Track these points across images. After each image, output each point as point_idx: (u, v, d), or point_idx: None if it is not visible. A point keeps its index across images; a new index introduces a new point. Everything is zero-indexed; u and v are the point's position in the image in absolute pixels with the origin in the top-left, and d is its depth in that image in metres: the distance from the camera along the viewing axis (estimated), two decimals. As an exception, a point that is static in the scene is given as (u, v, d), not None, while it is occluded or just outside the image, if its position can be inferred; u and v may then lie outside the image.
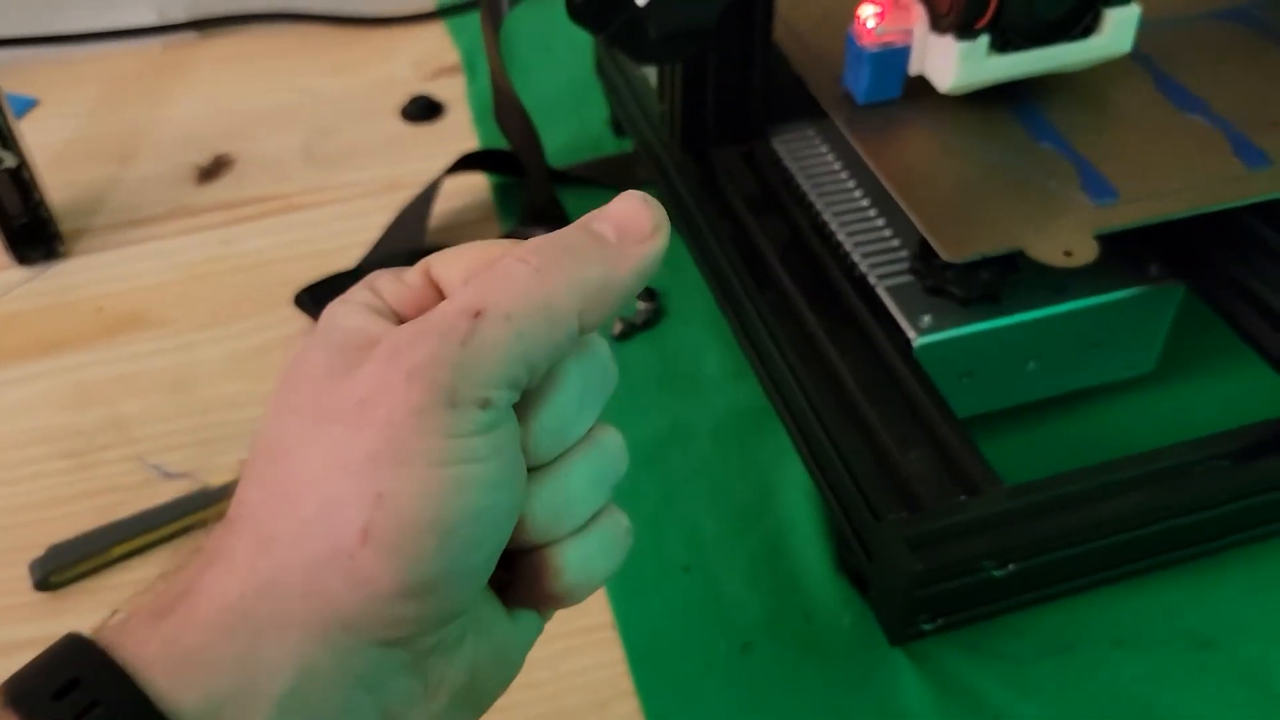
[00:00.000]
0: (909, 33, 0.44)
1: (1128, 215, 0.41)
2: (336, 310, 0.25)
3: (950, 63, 0.43)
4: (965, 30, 0.42)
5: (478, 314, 0.23)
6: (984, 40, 0.42)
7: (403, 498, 0.21)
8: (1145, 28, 0.51)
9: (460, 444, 0.22)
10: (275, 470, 0.23)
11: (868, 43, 0.45)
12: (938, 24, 0.43)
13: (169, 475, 0.48)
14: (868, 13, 0.45)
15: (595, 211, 0.26)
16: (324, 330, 0.24)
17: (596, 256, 0.24)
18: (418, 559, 0.22)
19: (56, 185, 0.63)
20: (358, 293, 0.25)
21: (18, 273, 0.58)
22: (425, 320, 0.23)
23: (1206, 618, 0.41)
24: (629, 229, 0.25)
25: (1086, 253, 0.39)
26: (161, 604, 0.22)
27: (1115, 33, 0.44)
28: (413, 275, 0.26)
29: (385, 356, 0.22)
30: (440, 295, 0.25)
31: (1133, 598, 0.41)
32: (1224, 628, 0.41)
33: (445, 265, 0.26)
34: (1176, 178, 0.43)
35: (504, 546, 0.24)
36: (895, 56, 0.45)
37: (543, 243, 0.24)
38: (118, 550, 0.44)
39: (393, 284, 0.25)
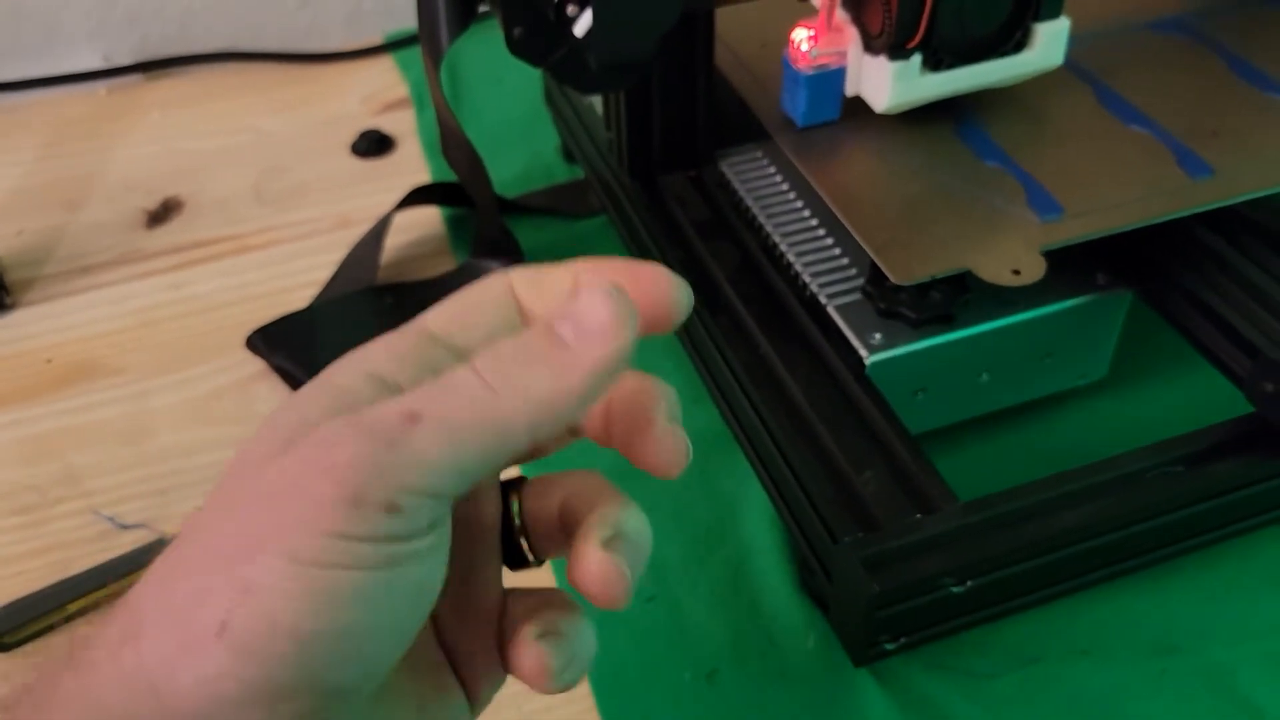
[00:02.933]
0: (844, 54, 0.45)
1: (1073, 230, 0.42)
2: (299, 395, 0.23)
3: (885, 83, 0.43)
4: (898, 50, 0.42)
5: (415, 418, 0.21)
6: (917, 59, 0.43)
7: (269, 593, 0.20)
8: (1085, 40, 0.52)
9: (346, 546, 0.20)
10: (169, 553, 0.22)
11: (803, 66, 0.45)
12: (870, 45, 0.44)
13: (124, 526, 0.47)
14: (801, 36, 0.45)
15: (560, 307, 0.24)
16: (281, 410, 0.23)
17: (552, 365, 0.23)
18: (271, 664, 0.20)
19: (3, 235, 0.62)
20: (343, 370, 0.24)
21: (-36, 327, 0.58)
22: (362, 416, 0.22)
23: (1169, 624, 0.41)
24: (588, 328, 0.23)
25: (1034, 270, 0.40)
26: (26, 696, 0.21)
27: (1046, 47, 0.44)
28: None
29: (313, 444, 0.21)
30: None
31: (1095, 607, 0.42)
32: (1187, 633, 0.41)
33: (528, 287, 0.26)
34: (1121, 191, 0.43)
35: (394, 664, 0.22)
36: (831, 78, 0.45)
37: (498, 353, 0.23)
38: (73, 606, 0.44)
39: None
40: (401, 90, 0.74)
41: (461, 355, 0.25)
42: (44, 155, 0.70)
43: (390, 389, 0.23)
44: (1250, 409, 0.41)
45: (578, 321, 0.23)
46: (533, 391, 0.23)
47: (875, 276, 0.43)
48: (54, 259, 0.62)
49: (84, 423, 0.52)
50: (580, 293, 0.24)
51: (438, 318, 0.26)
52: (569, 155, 0.67)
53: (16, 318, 0.58)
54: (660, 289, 0.26)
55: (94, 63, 0.77)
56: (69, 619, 0.44)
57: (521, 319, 0.26)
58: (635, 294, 0.24)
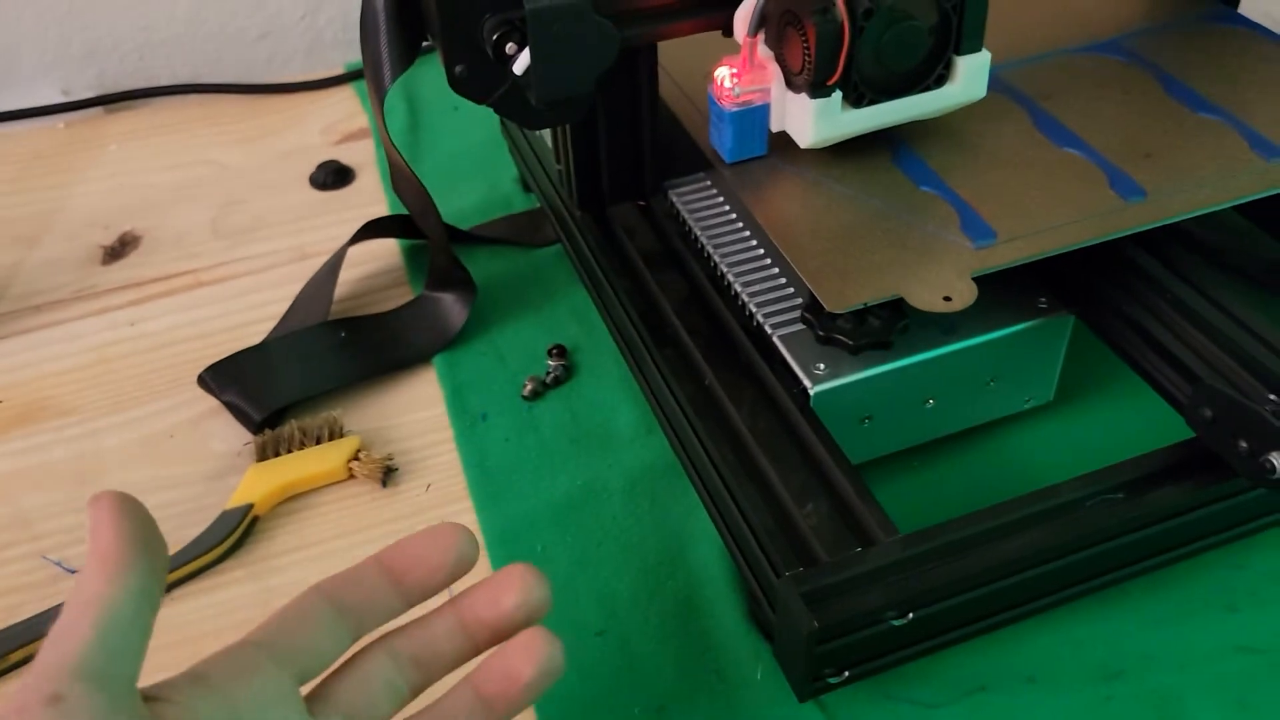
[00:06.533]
0: (767, 91, 0.45)
1: (1005, 255, 0.42)
2: None
3: (807, 120, 0.43)
4: (818, 88, 0.42)
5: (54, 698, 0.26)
6: (838, 96, 0.43)
7: None
8: (1021, 64, 0.52)
9: None
10: None
11: (727, 103, 0.45)
12: (791, 83, 0.44)
13: (73, 571, 0.47)
14: (723, 73, 0.45)
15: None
16: None
17: None
18: None
19: (-43, 274, 0.62)
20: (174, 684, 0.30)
21: (-83, 367, 0.57)
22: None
23: (1115, 649, 0.42)
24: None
25: (965, 296, 0.40)
26: None
27: (969, 80, 0.45)
28: None
29: None
30: None
31: (1040, 634, 0.42)
32: (1132, 658, 0.41)
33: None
34: (1054, 214, 0.44)
35: None
36: (756, 114, 0.46)
37: None
38: (16, 656, 0.43)
39: None
40: (361, 120, 0.74)
41: (281, 662, 0.31)
42: (1, 191, 0.70)
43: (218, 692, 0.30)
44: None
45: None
46: None
47: (813, 304, 0.43)
48: (8, 297, 0.61)
49: (34, 464, 0.52)
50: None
51: (260, 631, 0.32)
52: (526, 185, 0.67)
53: (-30, 357, 0.58)
54: (448, 544, 0.35)
55: (53, 96, 0.77)
56: (14, 667, 0.43)
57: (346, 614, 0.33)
58: (429, 553, 0.34)
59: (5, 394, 0.55)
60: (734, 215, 0.51)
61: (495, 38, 0.42)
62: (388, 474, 0.50)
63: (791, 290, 0.47)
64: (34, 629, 0.44)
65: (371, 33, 0.48)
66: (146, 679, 0.43)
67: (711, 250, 0.49)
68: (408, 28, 0.47)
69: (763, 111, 0.45)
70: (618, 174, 0.52)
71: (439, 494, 0.49)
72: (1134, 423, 0.49)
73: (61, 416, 0.54)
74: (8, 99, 0.75)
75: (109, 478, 0.51)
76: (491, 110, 0.62)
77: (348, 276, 0.60)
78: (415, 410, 0.53)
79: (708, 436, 0.43)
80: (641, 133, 0.51)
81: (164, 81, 0.78)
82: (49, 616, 0.44)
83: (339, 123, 0.74)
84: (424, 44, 0.49)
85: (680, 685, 0.41)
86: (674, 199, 0.52)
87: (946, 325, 0.45)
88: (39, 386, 0.56)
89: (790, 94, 0.44)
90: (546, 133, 0.56)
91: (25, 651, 0.43)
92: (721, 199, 0.52)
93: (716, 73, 0.46)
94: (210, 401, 0.54)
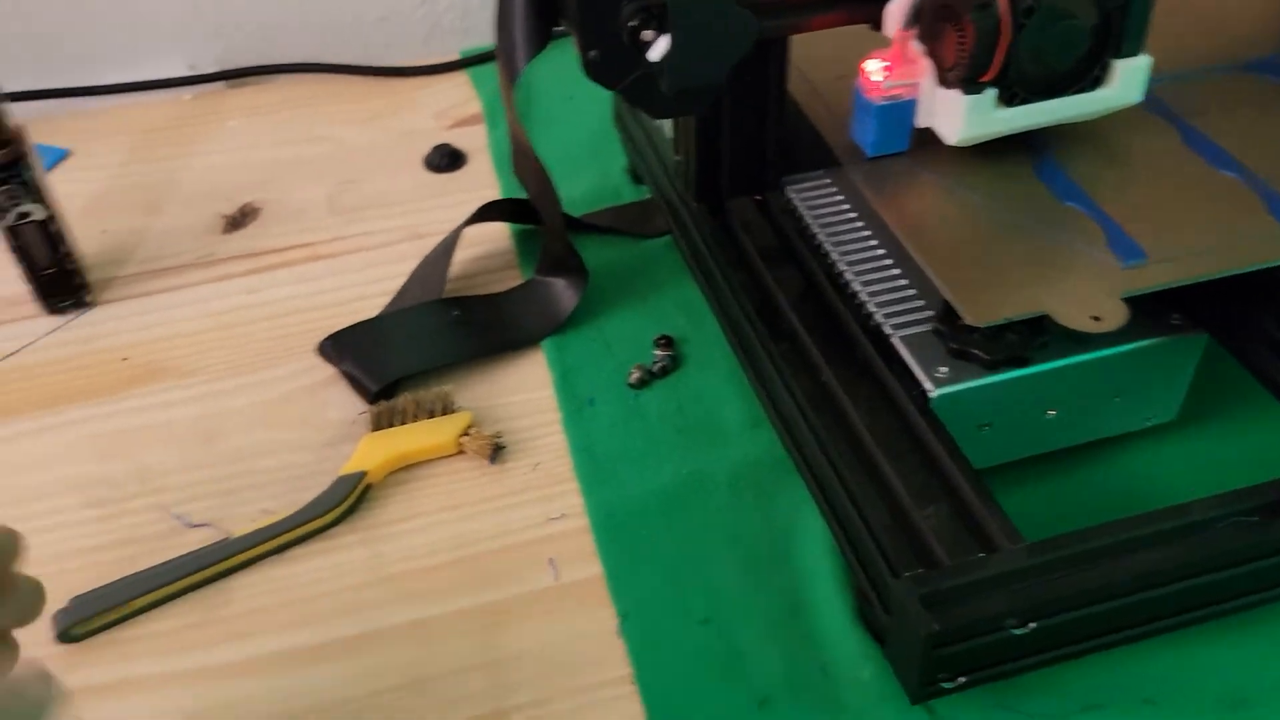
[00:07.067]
0: (916, 86, 0.44)
1: (1157, 277, 0.41)
2: None
3: (957, 116, 0.43)
4: (971, 84, 0.42)
5: None
6: (991, 94, 0.42)
7: None
8: (1168, 81, 0.51)
9: None
10: None
11: (874, 96, 0.45)
12: (944, 78, 0.43)
13: (191, 525, 0.48)
14: (874, 66, 0.45)
15: None
16: None
17: None
18: None
19: (86, 235, 0.64)
20: None
21: (45, 322, 0.59)
22: None
23: (1240, 676, 0.40)
24: None
25: (1116, 317, 0.39)
26: None
27: (1125, 84, 0.44)
28: None
29: None
30: None
31: (1162, 655, 0.41)
32: (1258, 687, 0.40)
33: None
34: (1207, 237, 0.42)
35: None
36: (902, 109, 0.45)
37: None
38: (139, 602, 0.45)
39: None
40: (475, 106, 0.75)
41: None
42: (129, 159, 0.72)
43: None
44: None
45: None
46: None
47: (947, 315, 0.43)
48: (134, 260, 0.64)
49: (156, 421, 0.53)
50: None
51: None
52: (636, 176, 0.67)
53: (95, 315, 0.60)
54: None
55: (179, 70, 0.79)
56: (135, 614, 0.45)
57: None
58: None
59: (130, 352, 0.57)
60: (854, 214, 0.51)
61: (633, 24, 0.43)
62: (496, 451, 0.50)
63: (913, 292, 0.46)
64: (152, 580, 0.45)
65: (507, 16, 0.49)
66: (268, 635, 0.44)
67: (830, 248, 0.49)
68: (543, 13, 0.48)
69: (909, 107, 0.45)
70: (738, 168, 0.52)
71: (546, 474, 0.50)
72: (1261, 447, 0.48)
73: (183, 377, 0.56)
74: (138, 71, 0.78)
75: (228, 439, 0.52)
76: (604, 101, 0.62)
77: (459, 257, 0.61)
78: (523, 391, 0.54)
79: (824, 432, 0.42)
80: (766, 127, 0.51)
81: (285, 60, 0.80)
82: (167, 568, 0.46)
83: (452, 108, 0.76)
84: (556, 29, 0.50)
85: (785, 679, 0.41)
86: (792, 195, 0.52)
87: (1075, 336, 0.44)
88: (162, 347, 0.58)
89: (940, 90, 0.44)
90: (666, 124, 0.56)
91: (145, 599, 0.45)
92: (842, 197, 0.52)
93: (865, 65, 0.45)
94: (326, 370, 0.55)
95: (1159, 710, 0.39)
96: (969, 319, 0.40)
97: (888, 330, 0.45)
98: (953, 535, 0.38)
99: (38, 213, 0.56)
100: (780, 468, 0.49)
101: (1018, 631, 0.36)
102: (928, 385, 0.42)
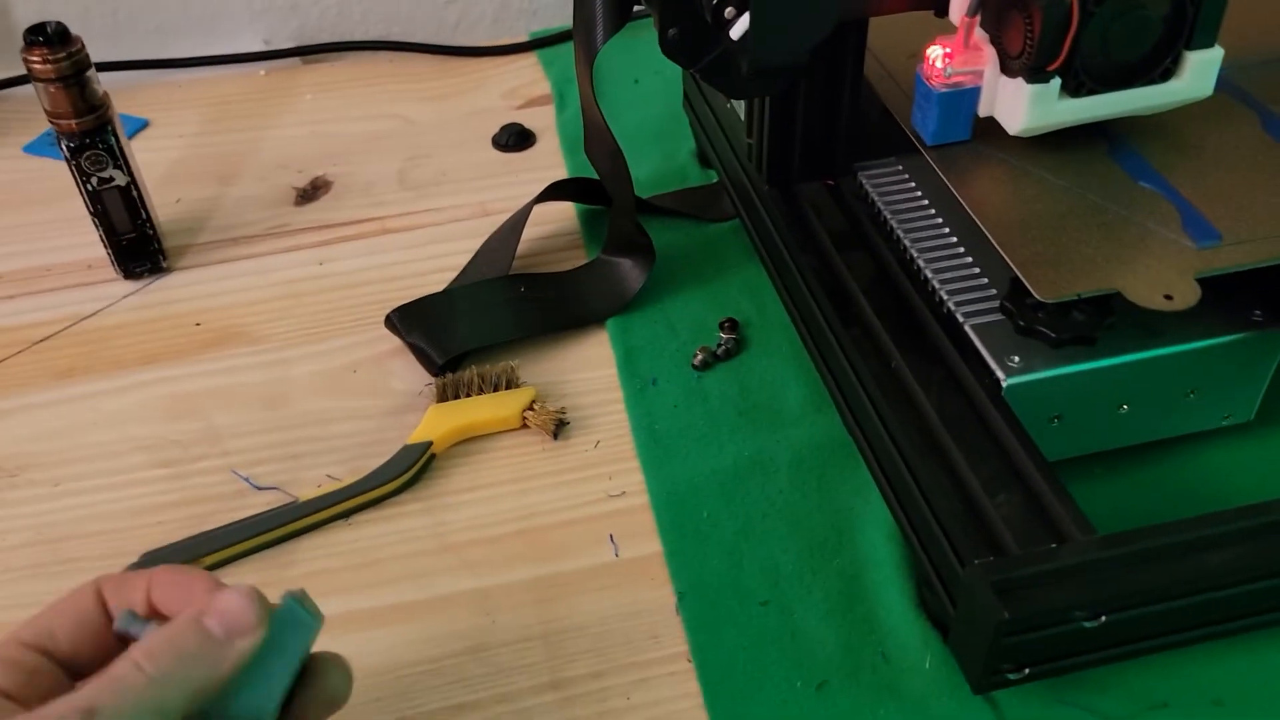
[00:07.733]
0: (979, 74, 0.44)
1: (1233, 258, 0.40)
2: None
3: (1020, 105, 0.42)
4: (1037, 73, 0.41)
5: (90, 714, 0.26)
6: (1056, 83, 0.42)
7: None
8: (1250, 67, 0.50)
9: None
10: None
11: (936, 83, 0.44)
12: (1008, 66, 0.43)
13: (259, 488, 0.49)
14: (936, 53, 0.44)
15: (206, 604, 0.30)
16: None
17: (204, 656, 0.29)
18: None
19: (162, 203, 0.65)
20: None
21: (123, 285, 0.61)
22: (39, 713, 0.26)
23: (1310, 682, 0.39)
24: (234, 625, 0.30)
25: (1188, 296, 0.38)
26: None
27: (1196, 76, 0.42)
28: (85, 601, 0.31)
29: None
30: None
31: (1233, 656, 0.40)
32: (1328, 693, 0.39)
33: (136, 590, 0.31)
34: (1285, 221, 0.42)
35: None
36: (964, 98, 0.44)
37: (157, 646, 0.29)
38: (207, 560, 0.46)
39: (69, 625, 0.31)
40: (543, 87, 0.76)
41: (52, 656, 0.31)
42: (204, 130, 0.74)
43: None
44: None
45: (224, 619, 0.30)
46: (190, 680, 0.29)
47: (1015, 292, 0.42)
48: (208, 228, 0.65)
49: (227, 385, 0.55)
50: (225, 594, 0.30)
51: (27, 629, 0.31)
52: (703, 160, 0.67)
53: (170, 280, 0.61)
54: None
55: (255, 45, 0.80)
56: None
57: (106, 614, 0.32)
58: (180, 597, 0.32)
59: (203, 318, 0.59)
60: (926, 201, 0.50)
61: (714, 1, 0.43)
62: (560, 427, 0.51)
63: (985, 280, 0.46)
64: (220, 539, 0.46)
65: (586, -6, 0.49)
66: (331, 597, 0.44)
67: (902, 234, 0.49)
68: (622, -9, 0.48)
69: (972, 95, 0.44)
70: (810, 151, 0.52)
71: (607, 451, 0.50)
72: (1341, 452, 0.47)
73: (254, 343, 0.57)
74: (215, 45, 0.80)
75: (296, 405, 0.53)
76: (671, 84, 0.62)
77: (526, 235, 0.61)
78: (587, 369, 0.54)
79: (892, 418, 0.42)
80: (840, 110, 0.50)
81: (358, 37, 0.81)
82: (235, 528, 0.46)
83: (521, 88, 0.76)
84: (635, 9, 0.50)
85: (844, 663, 0.41)
86: (864, 180, 0.52)
87: (1151, 329, 0.43)
88: (234, 314, 0.59)
89: (1004, 78, 0.43)
90: (739, 106, 0.56)
91: (213, 558, 0.46)
92: (913, 184, 0.51)
93: (928, 51, 0.45)
94: (392, 342, 0.56)
95: (1228, 712, 0.39)
96: (1038, 294, 0.39)
97: (960, 317, 0.44)
98: (1023, 524, 0.37)
99: (120, 178, 0.58)
100: (842, 452, 0.48)
101: (1088, 624, 0.36)
102: (1000, 374, 0.42)
